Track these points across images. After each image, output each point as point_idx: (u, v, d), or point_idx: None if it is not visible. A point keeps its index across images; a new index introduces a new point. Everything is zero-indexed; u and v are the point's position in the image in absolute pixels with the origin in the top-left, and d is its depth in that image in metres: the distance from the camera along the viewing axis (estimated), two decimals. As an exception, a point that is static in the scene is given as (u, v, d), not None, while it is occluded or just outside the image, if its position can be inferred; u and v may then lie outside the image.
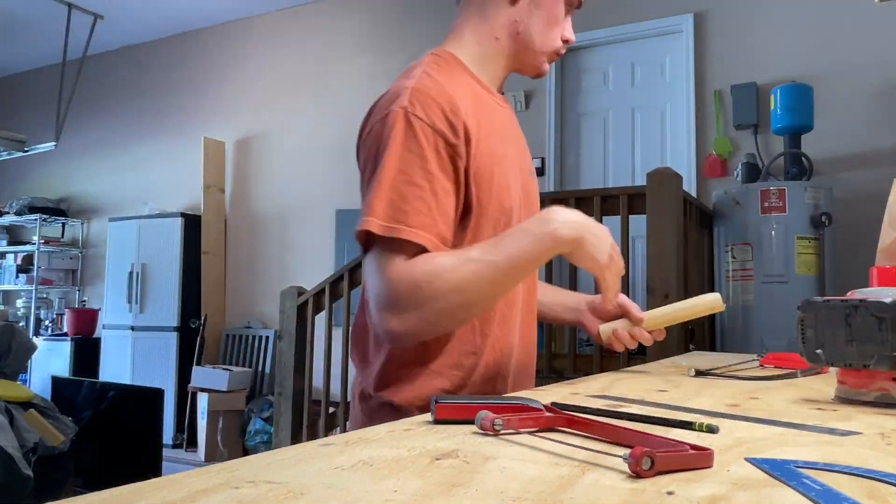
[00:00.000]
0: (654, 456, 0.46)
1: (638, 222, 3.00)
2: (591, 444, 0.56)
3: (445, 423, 0.66)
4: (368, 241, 0.92)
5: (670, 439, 0.53)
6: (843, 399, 0.83)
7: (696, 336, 3.13)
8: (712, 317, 3.44)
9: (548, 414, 0.65)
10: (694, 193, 3.90)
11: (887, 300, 0.77)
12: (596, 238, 0.95)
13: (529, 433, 0.61)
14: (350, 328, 1.12)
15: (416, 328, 0.91)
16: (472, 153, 0.97)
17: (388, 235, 0.89)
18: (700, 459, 0.50)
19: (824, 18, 3.76)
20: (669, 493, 0.43)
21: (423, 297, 0.89)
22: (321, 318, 3.84)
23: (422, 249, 0.90)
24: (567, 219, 0.94)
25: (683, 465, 0.49)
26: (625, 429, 0.58)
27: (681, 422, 0.63)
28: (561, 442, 0.57)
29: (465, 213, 0.99)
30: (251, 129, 5.88)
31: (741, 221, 3.21)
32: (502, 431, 0.61)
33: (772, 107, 3.47)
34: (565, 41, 1.11)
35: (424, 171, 0.92)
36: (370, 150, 0.95)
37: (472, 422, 0.63)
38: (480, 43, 1.08)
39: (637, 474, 0.46)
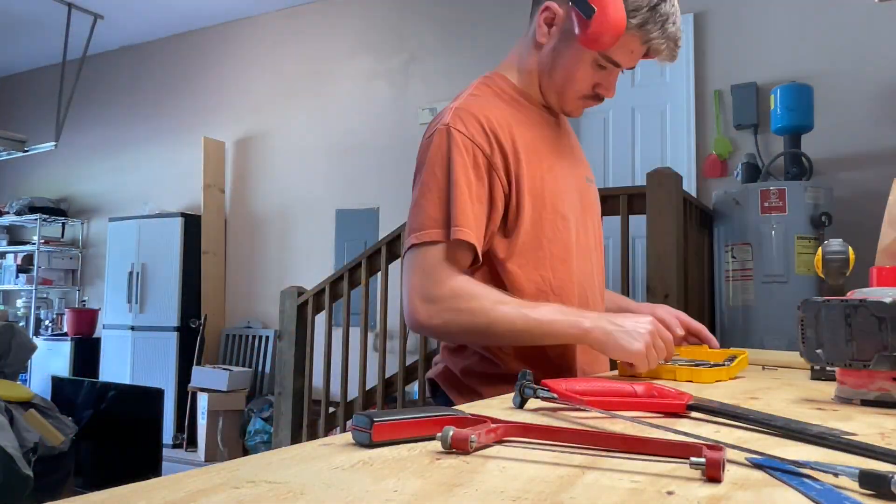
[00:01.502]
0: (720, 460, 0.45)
1: (638, 222, 3.00)
2: (569, 450, 0.55)
3: (382, 445, 0.55)
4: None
5: (671, 441, 0.52)
6: (843, 399, 0.83)
7: (696, 336, 3.13)
8: (712, 316, 3.44)
9: (493, 425, 0.58)
10: (694, 193, 3.90)
11: (887, 300, 0.77)
12: (619, 339, 1.01)
13: (498, 445, 0.57)
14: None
15: (438, 326, 1.05)
16: (512, 162, 1.08)
17: (440, 240, 1.04)
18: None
19: (824, 18, 3.76)
20: (669, 493, 0.43)
21: (458, 308, 1.03)
22: (321, 318, 3.84)
23: (468, 248, 1.05)
24: (604, 328, 1.02)
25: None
26: (579, 430, 0.56)
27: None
28: (550, 448, 0.56)
29: (516, 216, 1.10)
30: (251, 129, 5.88)
31: (741, 221, 3.21)
32: (474, 448, 0.53)
33: (772, 107, 3.47)
34: (597, 95, 1.19)
35: (466, 179, 1.05)
36: (418, 164, 1.10)
37: (413, 440, 0.56)
38: (521, 73, 1.21)
39: (714, 479, 0.45)
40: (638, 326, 1.00)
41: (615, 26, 1.05)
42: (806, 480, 0.46)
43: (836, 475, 0.46)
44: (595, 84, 1.17)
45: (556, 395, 0.72)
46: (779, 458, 0.50)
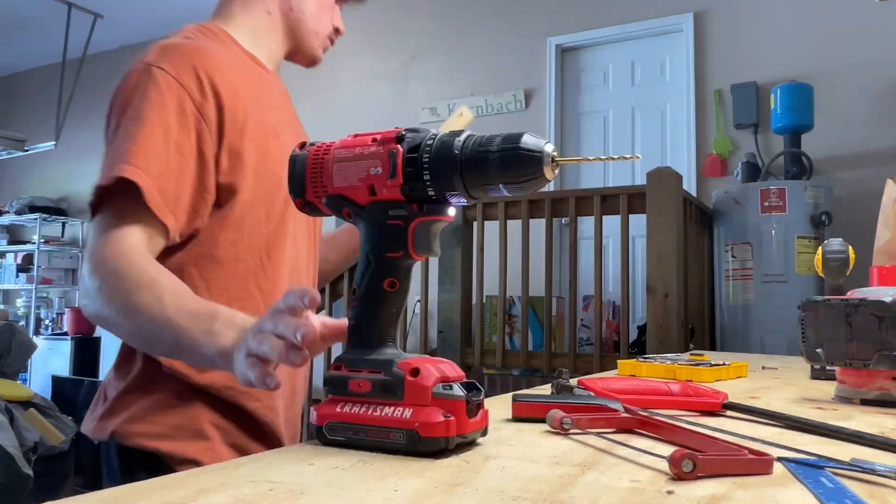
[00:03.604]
0: (696, 458, 0.45)
1: (638, 222, 2.99)
2: (653, 447, 0.54)
3: (521, 420, 0.66)
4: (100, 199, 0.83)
5: (732, 444, 0.52)
6: (844, 398, 0.83)
7: (695, 335, 3.13)
8: (712, 316, 3.44)
9: (623, 415, 0.63)
10: (694, 193, 3.90)
11: (887, 299, 0.77)
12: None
13: (597, 434, 0.60)
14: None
15: (83, 308, 0.83)
16: (228, 119, 0.89)
17: (108, 184, 0.80)
18: (755, 465, 0.47)
19: (824, 18, 3.76)
20: (669, 493, 0.43)
21: (100, 281, 0.79)
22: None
23: (139, 192, 0.80)
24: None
25: (733, 470, 0.47)
26: (696, 432, 0.56)
27: None
28: (622, 444, 0.56)
29: (229, 182, 0.89)
30: (251, 129, 5.87)
31: (741, 221, 3.21)
32: (571, 431, 0.60)
33: (772, 106, 3.47)
34: (336, 29, 1.10)
35: (161, 121, 0.84)
36: (109, 107, 0.89)
37: (544, 420, 0.63)
38: (251, 17, 1.04)
39: (678, 476, 0.45)
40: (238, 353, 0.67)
41: None
42: (824, 480, 0.46)
43: (874, 472, 0.46)
44: (333, 19, 1.10)
45: (592, 394, 0.73)
46: (817, 455, 0.51)
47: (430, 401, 0.53)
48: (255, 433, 0.92)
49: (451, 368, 0.56)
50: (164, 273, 0.79)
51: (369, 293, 0.58)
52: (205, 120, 0.87)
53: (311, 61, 1.11)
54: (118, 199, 0.81)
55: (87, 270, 0.79)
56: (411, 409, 0.53)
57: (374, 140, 0.58)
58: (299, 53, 1.10)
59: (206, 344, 0.71)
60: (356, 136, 0.60)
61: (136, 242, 0.80)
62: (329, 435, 0.55)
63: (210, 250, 0.90)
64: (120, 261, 0.78)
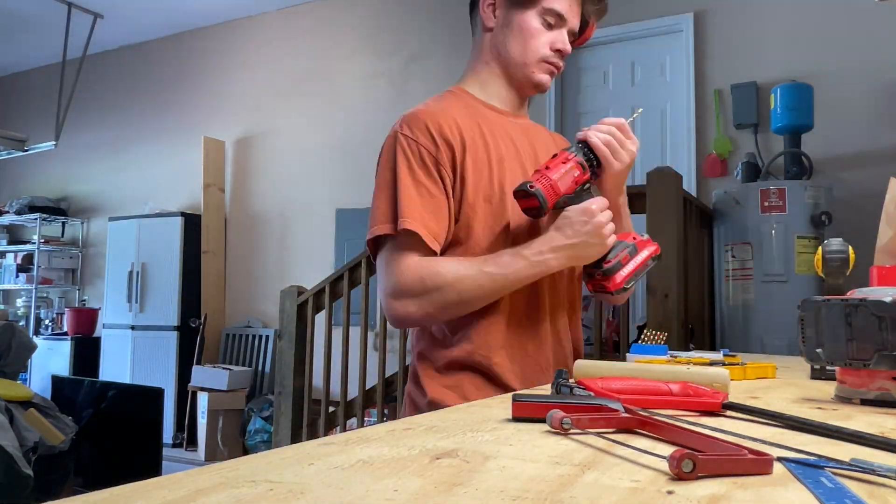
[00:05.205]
0: (696, 458, 0.45)
1: (638, 221, 2.99)
2: (653, 447, 0.54)
3: (521, 420, 0.67)
4: (378, 243, 1.13)
5: (732, 444, 0.52)
6: (843, 398, 0.83)
7: (695, 335, 3.13)
8: (711, 316, 3.44)
9: (623, 415, 0.63)
10: (694, 193, 3.90)
11: (887, 299, 0.77)
12: (585, 251, 1.10)
13: (597, 434, 0.60)
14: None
15: (416, 314, 1.10)
16: (458, 156, 1.14)
17: (390, 233, 1.09)
18: (755, 465, 0.47)
19: (824, 18, 3.76)
20: (669, 493, 0.43)
21: (425, 290, 1.08)
22: (321, 318, 3.84)
23: (419, 239, 1.07)
24: (566, 254, 1.09)
25: (733, 470, 0.47)
26: (696, 432, 0.56)
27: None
28: (622, 444, 0.56)
29: (459, 204, 1.15)
30: (251, 129, 5.87)
31: (741, 221, 3.21)
32: (571, 431, 0.60)
33: (772, 106, 3.47)
34: (557, 50, 1.23)
35: (411, 175, 1.11)
36: (377, 162, 1.18)
37: (545, 420, 0.63)
38: (477, 71, 1.28)
39: (678, 476, 0.45)
40: (586, 228, 1.08)
41: None
42: (824, 480, 0.45)
43: (874, 472, 0.46)
44: (550, 43, 1.22)
45: (592, 394, 0.73)
46: (817, 455, 0.51)
47: None
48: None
49: None
50: (460, 259, 1.11)
51: None
52: (441, 164, 1.13)
53: (535, 88, 1.26)
54: (401, 239, 1.10)
55: (405, 284, 1.08)
56: None
57: None
58: (522, 85, 1.26)
59: (536, 268, 1.08)
60: None
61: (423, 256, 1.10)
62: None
63: (453, 246, 1.16)
64: (432, 267, 1.08)
